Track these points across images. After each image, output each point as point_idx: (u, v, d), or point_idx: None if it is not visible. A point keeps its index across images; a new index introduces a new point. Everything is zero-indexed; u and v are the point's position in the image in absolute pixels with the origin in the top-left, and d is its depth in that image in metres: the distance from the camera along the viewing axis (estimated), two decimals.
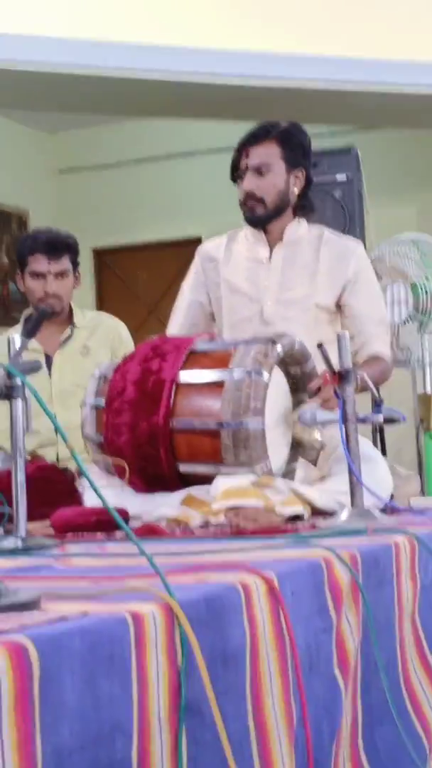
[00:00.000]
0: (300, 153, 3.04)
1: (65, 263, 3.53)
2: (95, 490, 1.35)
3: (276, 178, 3.01)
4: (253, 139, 3.02)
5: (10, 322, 7.27)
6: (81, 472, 2.98)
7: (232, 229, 3.15)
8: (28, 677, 0.98)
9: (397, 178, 7.34)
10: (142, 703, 1.14)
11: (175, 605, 1.20)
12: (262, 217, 3.04)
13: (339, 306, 3.05)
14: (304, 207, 3.09)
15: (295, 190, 3.04)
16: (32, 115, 7.60)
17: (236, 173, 3.05)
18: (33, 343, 3.36)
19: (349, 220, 5.00)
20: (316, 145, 5.66)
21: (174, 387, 2.51)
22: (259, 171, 3.00)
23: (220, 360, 2.54)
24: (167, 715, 1.17)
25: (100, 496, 1.34)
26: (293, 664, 1.42)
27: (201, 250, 3.22)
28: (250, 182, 3.01)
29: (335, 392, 2.25)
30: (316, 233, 3.11)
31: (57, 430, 1.34)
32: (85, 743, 1.05)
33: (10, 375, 1.27)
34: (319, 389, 2.60)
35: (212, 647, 1.27)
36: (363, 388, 2.45)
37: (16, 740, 0.96)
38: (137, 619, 1.15)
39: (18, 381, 1.33)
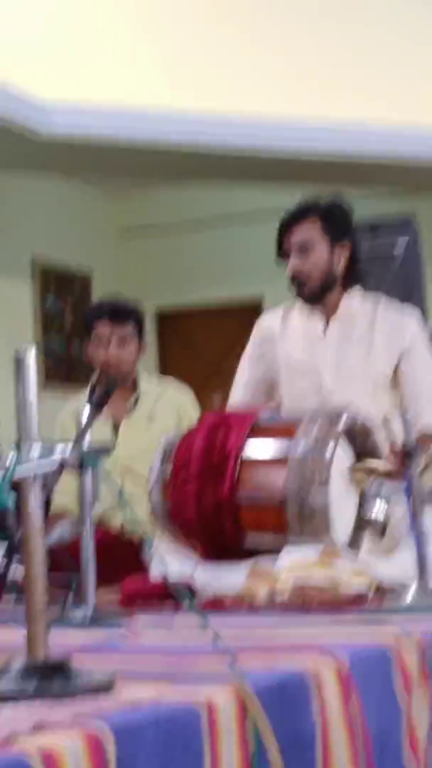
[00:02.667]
0: (343, 226, 3.05)
1: (128, 329, 3.56)
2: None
3: (318, 256, 3.02)
4: (294, 218, 3.04)
5: (74, 382, 7.36)
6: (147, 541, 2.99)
7: (292, 289, 3.16)
8: (104, 765, 0.99)
9: None
10: None
11: (248, 693, 1.20)
12: (309, 296, 3.06)
13: (395, 373, 3.05)
14: (353, 278, 3.09)
15: (341, 264, 3.05)
16: (95, 179, 7.74)
17: (281, 251, 3.07)
18: None
19: (409, 287, 5.01)
20: (375, 210, 5.72)
21: (239, 460, 2.52)
22: (302, 249, 3.02)
23: (285, 432, 2.55)
24: None
25: (167, 575, 1.35)
26: (364, 751, 1.41)
27: (259, 325, 3.25)
28: (293, 263, 3.03)
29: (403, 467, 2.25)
30: (371, 305, 3.11)
31: (123, 507, 1.36)
32: None
33: (83, 460, 1.30)
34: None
35: (284, 734, 1.26)
36: (428, 464, 2.44)
37: None
38: (211, 707, 1.16)
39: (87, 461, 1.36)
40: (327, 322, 3.09)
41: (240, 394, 3.20)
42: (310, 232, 3.02)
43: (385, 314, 3.08)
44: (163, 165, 6.41)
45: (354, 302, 3.09)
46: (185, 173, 6.80)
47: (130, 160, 6.28)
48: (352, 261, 3.07)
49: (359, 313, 3.08)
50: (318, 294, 3.04)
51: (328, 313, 3.09)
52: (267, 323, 3.22)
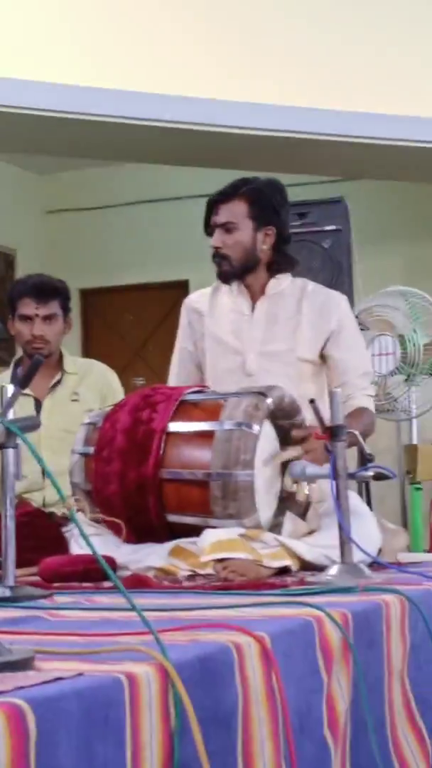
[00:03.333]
0: (270, 211, 3.04)
1: (53, 307, 3.53)
2: (87, 542, 1.34)
3: (242, 236, 3.02)
4: (221, 197, 3.04)
5: None
6: (68, 518, 2.97)
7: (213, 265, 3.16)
8: (24, 740, 0.98)
9: (384, 229, 7.40)
10: (135, 766, 1.13)
11: (169, 667, 1.19)
12: (228, 274, 3.05)
13: (323, 357, 3.06)
14: (279, 263, 3.09)
15: (264, 248, 3.05)
16: (22, 156, 7.65)
17: (207, 229, 3.07)
18: None
19: (337, 271, 5.04)
20: (306, 195, 5.74)
21: (164, 437, 2.51)
22: (226, 228, 3.02)
23: (211, 411, 2.54)
24: None
25: (92, 549, 1.33)
26: (284, 726, 1.42)
27: (186, 303, 3.24)
28: (216, 239, 3.03)
29: (326, 447, 2.26)
30: (300, 285, 3.11)
31: (52, 482, 1.34)
32: None
33: (8, 431, 1.27)
34: (303, 439, 2.61)
35: (205, 709, 1.26)
36: (351, 443, 2.46)
37: None
38: (132, 680, 1.14)
39: (11, 433, 1.33)
40: (254, 303, 3.09)
41: (174, 373, 3.20)
42: (235, 212, 3.02)
43: (313, 297, 3.08)
44: (92, 144, 6.34)
45: (282, 284, 3.10)
46: (113, 153, 6.74)
47: (58, 138, 6.21)
48: (279, 246, 3.07)
49: (287, 295, 3.08)
50: (238, 272, 3.04)
51: (255, 295, 3.09)
52: (194, 301, 3.22)
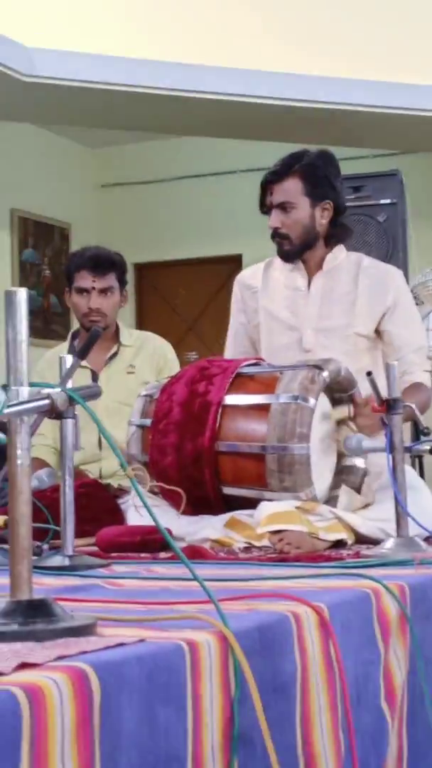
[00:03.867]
0: (326, 185, 3.00)
1: (110, 280, 3.54)
2: (149, 510, 1.35)
3: (300, 214, 2.99)
4: (275, 177, 3.00)
5: (50, 334, 7.34)
6: (125, 490, 3.00)
7: (271, 246, 3.15)
8: (88, 703, 0.99)
9: None
10: (196, 732, 1.14)
11: (229, 635, 1.21)
12: (290, 253, 3.03)
13: (378, 332, 3.05)
14: (337, 235, 3.07)
15: (323, 222, 3.02)
16: (77, 130, 7.67)
17: (264, 208, 3.05)
18: None
19: (392, 245, 5.01)
20: (360, 168, 5.70)
21: (220, 410, 2.52)
22: (283, 208, 3.00)
23: (267, 384, 2.55)
24: (220, 745, 1.18)
25: (154, 517, 1.34)
26: (342, 696, 1.43)
27: (239, 279, 3.23)
28: (275, 220, 3.00)
29: (382, 421, 2.26)
30: (355, 260, 3.09)
31: (114, 451, 1.35)
32: None
33: (70, 400, 1.29)
34: (357, 407, 2.61)
35: (264, 677, 1.27)
36: (407, 417, 2.45)
37: None
38: (193, 647, 1.16)
39: (71, 403, 1.35)
40: (310, 279, 3.07)
41: (230, 349, 3.20)
42: (290, 191, 2.98)
43: (369, 272, 3.06)
44: (148, 117, 6.35)
45: (338, 259, 3.08)
46: (168, 127, 6.74)
47: (113, 111, 6.22)
48: (336, 219, 3.05)
49: (343, 270, 3.06)
50: (298, 251, 3.03)
51: (311, 269, 3.07)
52: (247, 277, 3.20)
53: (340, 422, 2.66)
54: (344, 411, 2.65)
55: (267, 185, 3.01)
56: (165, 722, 1.10)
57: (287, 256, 3.04)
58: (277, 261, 3.12)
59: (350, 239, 3.16)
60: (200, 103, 5.93)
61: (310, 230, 3.00)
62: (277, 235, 3.02)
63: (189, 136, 7.24)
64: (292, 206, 2.98)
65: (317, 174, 3.00)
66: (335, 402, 2.66)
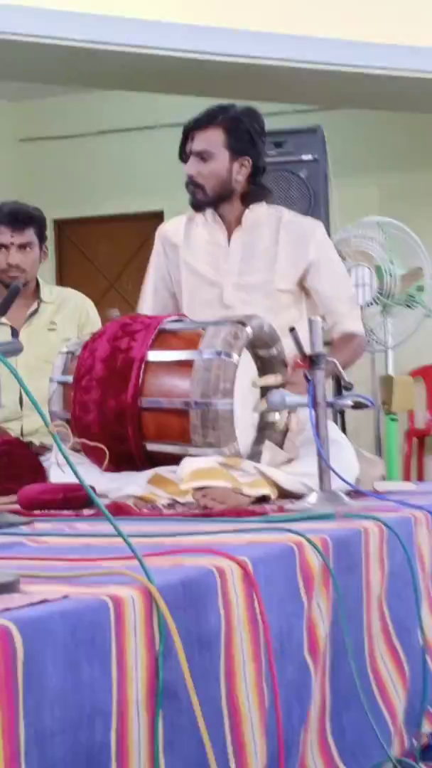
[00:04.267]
0: (247, 141, 2.98)
1: (29, 235, 3.50)
2: (72, 468, 1.34)
3: (217, 165, 2.97)
4: (197, 124, 2.98)
5: None
6: (47, 447, 2.98)
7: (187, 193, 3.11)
8: (12, 661, 0.99)
9: (360, 158, 7.35)
10: (121, 686, 1.14)
11: (153, 590, 1.20)
12: (201, 203, 3.02)
13: (303, 288, 3.05)
14: (254, 194, 3.05)
15: (240, 178, 3.01)
16: None
17: (183, 156, 3.02)
18: None
19: (314, 201, 5.01)
20: (282, 123, 5.69)
21: (143, 366, 2.51)
22: (201, 157, 2.98)
23: (190, 340, 2.54)
24: (145, 699, 1.18)
25: (77, 475, 1.33)
26: (266, 649, 1.44)
27: (160, 232, 3.20)
28: (191, 167, 2.98)
29: (305, 376, 2.26)
30: (275, 215, 3.08)
31: (36, 408, 1.34)
32: (66, 727, 1.05)
33: None
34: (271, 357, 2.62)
35: (188, 631, 1.27)
36: (330, 373, 2.46)
37: (1, 724, 0.96)
38: (117, 602, 1.15)
39: None
40: (230, 234, 3.06)
41: (148, 305, 3.17)
42: (211, 141, 2.97)
43: (290, 226, 3.06)
44: (64, 70, 6.24)
45: (258, 214, 3.07)
46: (86, 80, 6.64)
47: (30, 63, 6.10)
48: (255, 176, 3.03)
49: (263, 224, 3.06)
50: (212, 201, 3.01)
51: (231, 225, 3.06)
52: (170, 229, 3.18)
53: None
54: (273, 379, 2.65)
55: (189, 132, 2.99)
56: (89, 678, 1.09)
57: (198, 206, 3.03)
58: (199, 216, 3.10)
59: (269, 199, 3.15)
60: (118, 56, 5.84)
61: (226, 184, 2.99)
62: (191, 183, 3.00)
63: (108, 89, 7.14)
64: (210, 156, 2.96)
65: (240, 128, 2.98)
66: (257, 358, 2.66)
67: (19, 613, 1.04)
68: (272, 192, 3.19)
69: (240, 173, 2.99)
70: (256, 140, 3.00)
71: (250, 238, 3.04)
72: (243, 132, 2.98)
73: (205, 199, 3.00)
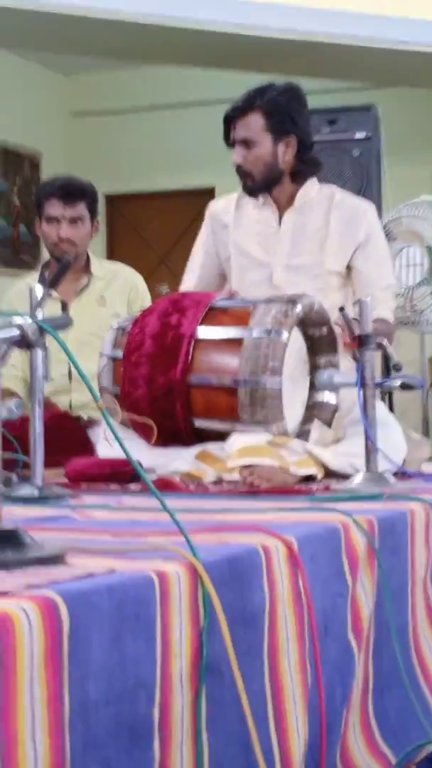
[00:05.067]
0: (288, 120, 2.94)
1: (80, 209, 3.50)
2: (120, 443, 1.35)
3: (261, 150, 2.94)
4: (237, 112, 2.95)
5: (19, 264, 7.27)
6: (95, 422, 2.99)
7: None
8: (58, 633, 0.99)
9: (415, 138, 7.28)
10: (165, 661, 1.15)
11: (199, 566, 1.21)
12: (253, 189, 3.00)
13: (348, 268, 3.03)
14: (305, 170, 3.03)
15: (287, 159, 2.98)
16: (49, 56, 7.53)
17: (228, 143, 3.01)
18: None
19: (366, 179, 4.97)
20: (335, 101, 5.64)
21: (192, 342, 2.51)
22: (244, 144, 2.96)
23: (240, 318, 2.53)
24: (188, 674, 1.19)
25: (125, 450, 1.34)
26: (310, 628, 1.44)
27: (211, 210, 3.18)
28: (237, 156, 2.96)
29: (354, 356, 2.25)
30: (327, 194, 3.06)
31: (85, 382, 1.34)
32: (110, 699, 1.06)
33: (42, 331, 1.27)
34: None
35: (233, 608, 1.28)
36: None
37: (46, 696, 0.97)
38: (163, 578, 1.16)
39: (42, 333, 1.33)
40: (281, 215, 3.05)
41: (193, 281, 3.16)
42: (252, 127, 2.93)
43: (341, 207, 3.04)
44: (121, 44, 6.24)
45: (310, 194, 3.05)
46: (142, 55, 6.63)
47: (85, 37, 6.11)
48: (302, 153, 3.00)
49: (315, 205, 3.04)
50: (262, 187, 2.99)
51: (283, 205, 3.04)
52: (220, 208, 3.16)
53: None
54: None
55: (229, 121, 2.97)
56: (134, 651, 1.10)
57: (251, 192, 3.02)
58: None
59: (320, 173, 3.12)
60: (174, 32, 5.83)
61: (273, 167, 2.97)
62: (239, 171, 2.99)
63: (162, 64, 7.13)
64: (253, 142, 2.94)
65: (280, 109, 2.94)
66: (307, 337, 2.65)
67: (65, 586, 1.05)
68: (322, 165, 3.16)
69: (286, 153, 2.97)
70: (296, 118, 2.97)
71: (301, 219, 3.02)
72: (283, 113, 2.94)
73: (256, 185, 2.99)
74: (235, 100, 2.99)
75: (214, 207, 3.19)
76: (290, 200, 3.03)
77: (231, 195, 3.17)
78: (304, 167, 3.01)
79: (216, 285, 3.12)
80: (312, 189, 3.05)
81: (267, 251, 3.01)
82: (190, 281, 3.17)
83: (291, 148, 2.97)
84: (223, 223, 3.11)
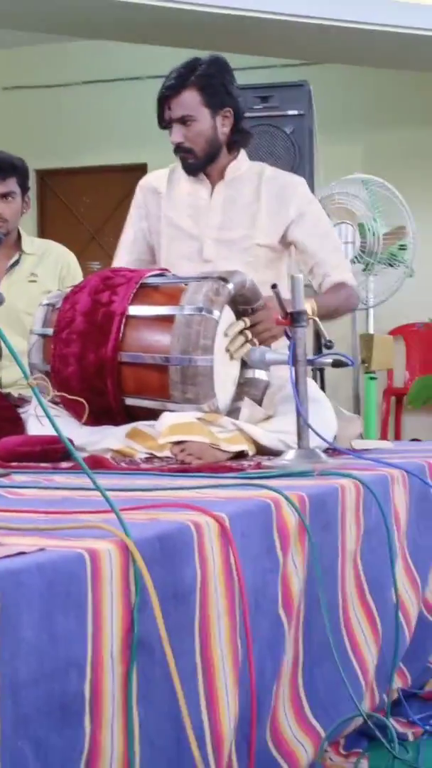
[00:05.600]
0: (222, 92, 2.95)
1: (11, 185, 3.47)
2: (51, 421, 1.34)
3: (201, 126, 2.95)
4: (171, 91, 2.94)
5: None
6: (25, 399, 2.97)
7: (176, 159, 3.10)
8: None
9: (346, 115, 7.31)
10: (96, 639, 1.15)
11: (130, 543, 1.21)
12: (194, 166, 3.00)
13: (287, 245, 3.04)
14: (239, 141, 3.04)
15: (225, 131, 2.99)
16: None
17: (163, 125, 2.99)
18: None
19: (299, 156, 4.98)
20: (268, 78, 5.64)
21: (124, 320, 2.50)
22: (183, 122, 2.95)
23: (171, 295, 2.53)
24: (119, 651, 1.19)
25: (56, 428, 1.33)
26: (240, 604, 1.44)
27: (143, 183, 3.18)
28: (176, 134, 2.95)
29: (286, 333, 2.26)
30: (257, 171, 3.07)
31: (16, 360, 1.33)
32: (40, 678, 1.06)
33: None
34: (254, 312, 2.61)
35: (164, 585, 1.28)
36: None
37: None
38: (94, 556, 1.16)
39: None
40: (213, 188, 3.04)
41: (124, 256, 3.15)
42: (188, 104, 2.93)
43: (271, 183, 3.05)
44: (47, 18, 6.17)
45: (241, 169, 3.05)
46: (70, 28, 6.56)
47: (14, 11, 6.02)
48: (236, 124, 3.01)
49: (245, 181, 3.04)
50: (203, 163, 2.99)
51: (214, 179, 3.04)
52: (151, 181, 3.16)
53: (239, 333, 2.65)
54: (242, 324, 2.64)
55: (164, 101, 2.95)
56: (65, 630, 1.10)
57: (192, 170, 3.01)
58: (180, 167, 3.08)
59: (252, 147, 3.13)
60: (104, 5, 5.78)
61: (213, 141, 2.97)
62: (180, 149, 2.97)
63: (92, 39, 7.06)
64: (192, 119, 2.93)
65: (213, 83, 2.94)
66: (239, 314, 2.65)
67: None
68: (253, 135, 3.17)
69: (224, 125, 2.98)
70: (230, 88, 2.98)
71: (232, 193, 3.03)
72: (217, 85, 2.95)
73: (197, 162, 2.98)
74: (165, 79, 2.97)
75: (145, 179, 3.19)
76: (221, 174, 3.03)
77: (162, 170, 3.16)
78: (239, 137, 3.02)
79: (149, 260, 3.12)
80: (243, 164, 3.06)
81: (197, 224, 3.01)
82: (121, 257, 3.16)
83: (228, 119, 2.98)
84: (156, 192, 3.10)
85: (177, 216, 3.05)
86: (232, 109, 2.97)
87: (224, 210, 3.01)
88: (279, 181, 3.06)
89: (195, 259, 2.97)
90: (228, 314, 2.59)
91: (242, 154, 3.07)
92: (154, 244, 3.12)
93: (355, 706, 1.69)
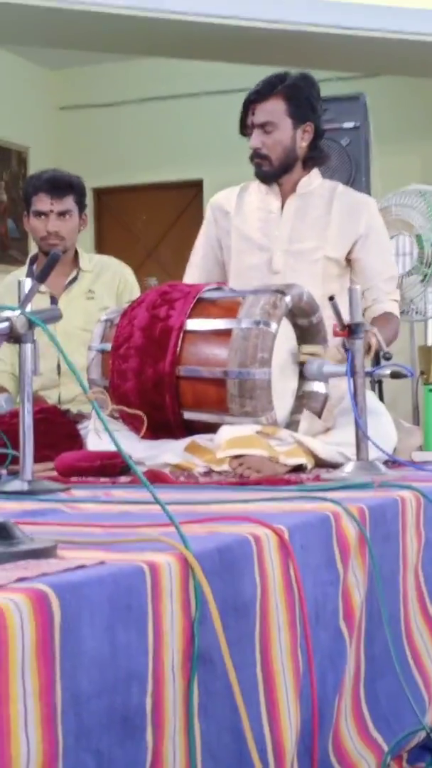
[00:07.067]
0: (307, 107, 2.99)
1: (68, 203, 3.50)
2: (110, 435, 1.35)
3: (282, 135, 2.98)
4: (258, 96, 2.98)
5: (7, 259, 7.24)
6: (83, 415, 2.99)
7: (233, 172, 3.13)
8: (49, 626, 0.99)
9: (403, 127, 7.28)
10: (157, 651, 1.15)
11: (190, 556, 1.21)
12: (269, 174, 3.02)
13: (349, 261, 3.05)
14: (314, 158, 3.07)
15: (303, 145, 3.02)
16: (35, 50, 7.50)
17: (244, 129, 3.02)
18: None
19: (355, 169, 4.97)
20: (324, 91, 5.63)
21: (181, 334, 2.51)
22: (264, 128, 2.97)
23: (229, 309, 2.53)
24: (180, 664, 1.19)
25: (116, 442, 1.34)
26: (301, 616, 1.44)
27: (212, 201, 3.22)
28: (256, 140, 2.99)
29: (344, 346, 2.26)
30: (330, 187, 3.10)
31: (76, 375, 1.35)
32: (102, 690, 1.07)
33: (31, 323, 1.27)
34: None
35: (224, 598, 1.28)
36: (370, 346, 2.46)
37: (38, 688, 0.97)
38: (154, 569, 1.16)
39: (31, 326, 1.33)
40: (284, 201, 3.06)
41: (194, 276, 3.18)
42: (273, 111, 2.97)
43: (343, 198, 3.07)
44: (108, 37, 6.22)
45: (313, 184, 3.08)
46: (129, 47, 6.61)
47: (72, 31, 6.09)
48: (314, 142, 3.04)
49: (317, 195, 3.06)
50: (277, 172, 3.02)
51: (286, 192, 3.07)
52: (220, 199, 3.19)
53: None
54: (316, 349, 2.64)
55: (249, 105, 2.99)
56: (125, 642, 1.10)
57: (265, 178, 3.04)
58: (252, 185, 3.12)
59: (327, 161, 3.15)
60: (161, 23, 5.82)
61: (290, 152, 3.00)
62: (257, 155, 3.01)
63: (150, 56, 7.11)
64: (274, 126, 2.97)
65: (300, 95, 2.98)
66: (297, 327, 2.65)
67: (56, 578, 1.06)
68: (330, 156, 3.19)
69: (303, 139, 3.01)
70: (315, 105, 3.02)
71: (303, 206, 3.05)
72: (303, 99, 2.99)
73: (271, 170, 3.01)
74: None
75: (215, 198, 3.24)
76: (293, 188, 3.06)
77: (233, 188, 3.20)
78: (316, 155, 3.05)
79: (217, 277, 3.14)
80: (315, 179, 3.08)
81: (267, 235, 3.04)
82: (192, 274, 3.19)
83: (308, 134, 3.01)
84: (225, 210, 3.14)
85: (247, 228, 3.08)
86: (313, 125, 3.01)
87: (295, 221, 3.03)
88: (351, 197, 3.10)
89: (264, 270, 3.00)
90: (286, 327, 2.59)
91: (315, 171, 3.10)
92: (225, 259, 3.14)
93: (418, 719, 1.68)
